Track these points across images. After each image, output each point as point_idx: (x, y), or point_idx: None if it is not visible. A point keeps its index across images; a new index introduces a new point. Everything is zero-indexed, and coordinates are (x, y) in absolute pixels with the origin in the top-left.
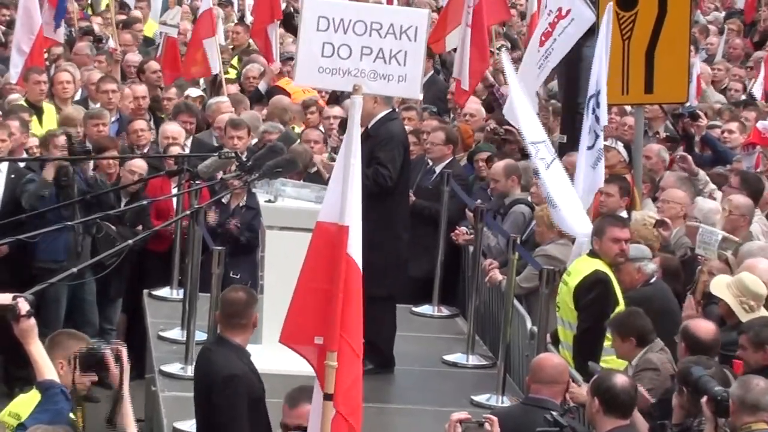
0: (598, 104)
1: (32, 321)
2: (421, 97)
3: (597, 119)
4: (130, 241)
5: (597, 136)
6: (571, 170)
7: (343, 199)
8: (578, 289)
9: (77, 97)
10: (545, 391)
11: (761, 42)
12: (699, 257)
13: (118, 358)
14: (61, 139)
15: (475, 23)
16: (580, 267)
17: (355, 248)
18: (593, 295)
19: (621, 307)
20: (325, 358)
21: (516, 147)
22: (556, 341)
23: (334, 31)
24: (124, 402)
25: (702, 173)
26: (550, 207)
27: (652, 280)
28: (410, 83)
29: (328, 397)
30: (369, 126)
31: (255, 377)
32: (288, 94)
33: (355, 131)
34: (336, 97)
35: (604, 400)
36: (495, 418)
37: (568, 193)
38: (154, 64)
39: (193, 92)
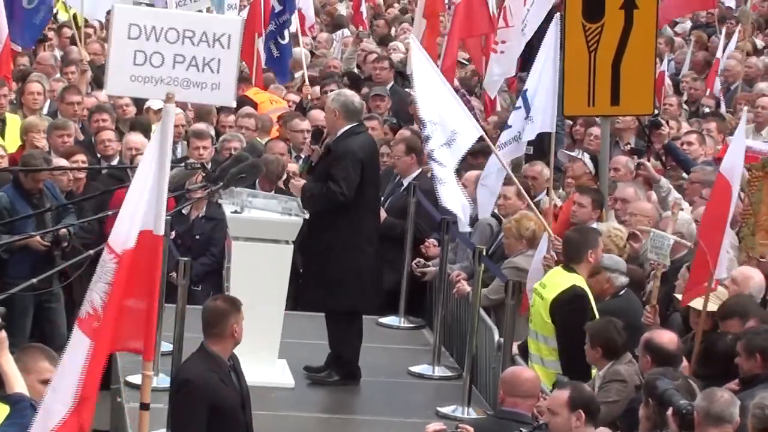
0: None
1: (3, 334)
2: (234, 104)
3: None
4: (91, 252)
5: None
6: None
7: (158, 208)
8: (555, 304)
9: (45, 108)
10: (523, 405)
11: None
12: (651, 262)
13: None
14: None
15: (451, 32)
16: (557, 280)
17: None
18: (571, 310)
19: None
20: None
21: (482, 161)
22: (525, 353)
23: (146, 39)
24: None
25: (664, 180)
26: (438, 185)
27: (621, 293)
28: (224, 91)
29: (145, 407)
30: (333, 140)
31: (226, 387)
32: (255, 105)
33: (168, 139)
34: (303, 108)
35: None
36: (471, 428)
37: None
38: None
39: (155, 104)
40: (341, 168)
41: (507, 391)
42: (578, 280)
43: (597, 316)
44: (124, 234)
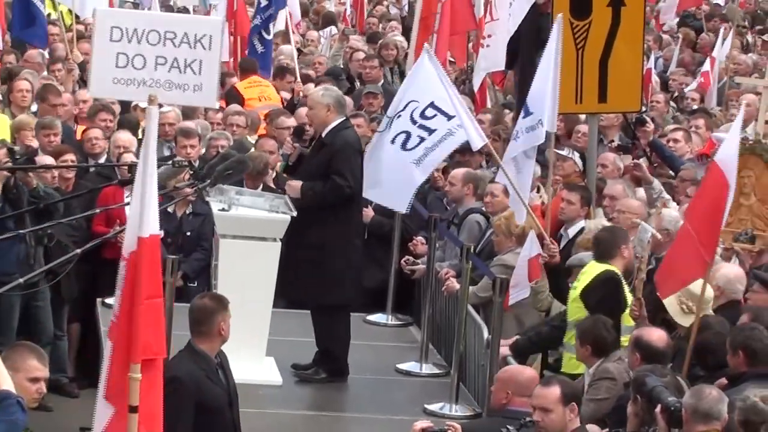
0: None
1: None
2: (217, 106)
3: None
4: (78, 250)
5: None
6: None
7: (142, 209)
8: (588, 288)
9: (33, 107)
10: (528, 404)
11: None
12: (636, 255)
13: None
14: (1, 153)
15: (440, 31)
16: (590, 270)
17: None
18: (603, 292)
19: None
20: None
21: (469, 159)
22: (519, 354)
23: (128, 41)
24: None
25: (656, 182)
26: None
27: None
28: (206, 92)
29: (133, 409)
30: (323, 134)
31: (213, 384)
32: (242, 98)
33: (152, 141)
34: (293, 105)
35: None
36: (458, 426)
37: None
38: None
39: (143, 102)
40: (344, 160)
41: (515, 391)
42: (612, 267)
43: (628, 301)
44: (128, 239)
